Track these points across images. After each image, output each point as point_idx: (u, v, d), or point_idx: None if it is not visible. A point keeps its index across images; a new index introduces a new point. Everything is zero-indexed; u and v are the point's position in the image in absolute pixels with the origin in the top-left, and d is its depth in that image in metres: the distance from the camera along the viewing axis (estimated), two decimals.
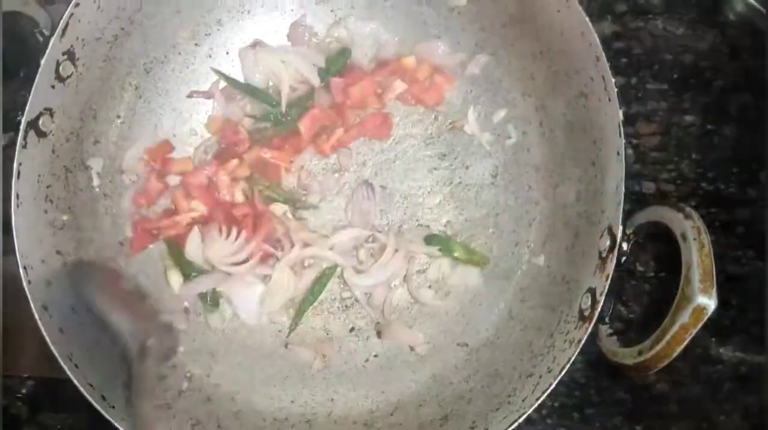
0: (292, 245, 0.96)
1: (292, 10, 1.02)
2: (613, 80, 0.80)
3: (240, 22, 1.01)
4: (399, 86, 1.00)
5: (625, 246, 0.79)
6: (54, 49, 0.83)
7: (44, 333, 0.78)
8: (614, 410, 0.96)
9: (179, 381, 0.92)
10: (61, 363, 0.78)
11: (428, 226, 0.99)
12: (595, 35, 0.81)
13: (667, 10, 1.04)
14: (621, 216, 0.78)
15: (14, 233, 0.80)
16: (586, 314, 0.80)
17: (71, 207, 0.90)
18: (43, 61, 0.82)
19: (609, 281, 0.77)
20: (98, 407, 0.78)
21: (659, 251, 0.96)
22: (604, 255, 0.80)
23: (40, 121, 0.84)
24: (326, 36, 1.03)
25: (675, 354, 0.73)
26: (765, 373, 0.94)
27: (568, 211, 0.91)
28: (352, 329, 0.98)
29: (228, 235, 0.95)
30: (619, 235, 0.78)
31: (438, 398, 0.92)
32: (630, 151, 1.01)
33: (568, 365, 0.78)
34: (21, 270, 0.80)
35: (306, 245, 0.97)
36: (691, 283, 0.73)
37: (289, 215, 0.99)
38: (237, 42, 1.01)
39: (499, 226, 0.98)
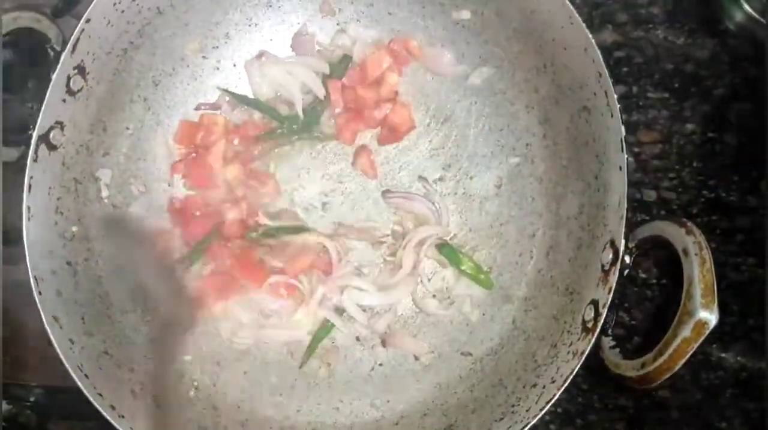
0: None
1: (299, 23, 1.02)
2: (616, 96, 0.80)
3: (247, 35, 1.01)
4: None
5: (627, 259, 0.79)
6: (65, 64, 0.83)
7: (55, 344, 0.79)
8: (616, 416, 0.97)
9: (186, 389, 0.93)
10: (72, 373, 0.78)
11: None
12: (598, 52, 0.81)
13: (667, 19, 1.04)
14: (623, 230, 0.78)
15: (25, 244, 0.81)
16: (589, 325, 0.80)
17: (81, 218, 0.91)
18: (54, 76, 0.82)
19: (612, 294, 0.77)
20: (107, 417, 0.78)
21: (661, 258, 0.97)
22: (606, 268, 0.80)
23: (51, 135, 0.84)
24: (330, 45, 1.03)
25: (677, 367, 0.73)
26: (766, 379, 0.94)
27: (571, 223, 0.91)
28: (357, 338, 0.98)
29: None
30: (622, 249, 0.78)
31: (442, 408, 0.93)
32: (631, 159, 1.01)
33: (571, 377, 0.78)
34: (32, 281, 0.80)
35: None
36: (693, 298, 0.73)
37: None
38: (244, 54, 1.01)
39: (502, 236, 0.98)
